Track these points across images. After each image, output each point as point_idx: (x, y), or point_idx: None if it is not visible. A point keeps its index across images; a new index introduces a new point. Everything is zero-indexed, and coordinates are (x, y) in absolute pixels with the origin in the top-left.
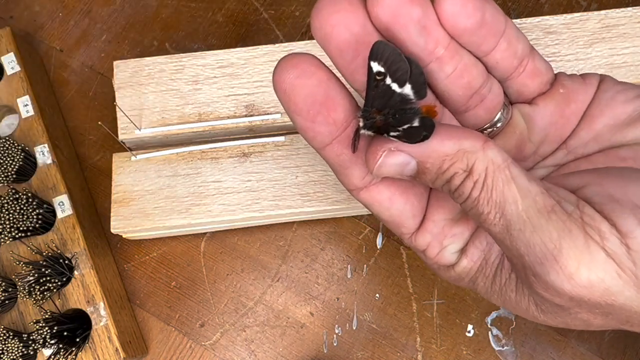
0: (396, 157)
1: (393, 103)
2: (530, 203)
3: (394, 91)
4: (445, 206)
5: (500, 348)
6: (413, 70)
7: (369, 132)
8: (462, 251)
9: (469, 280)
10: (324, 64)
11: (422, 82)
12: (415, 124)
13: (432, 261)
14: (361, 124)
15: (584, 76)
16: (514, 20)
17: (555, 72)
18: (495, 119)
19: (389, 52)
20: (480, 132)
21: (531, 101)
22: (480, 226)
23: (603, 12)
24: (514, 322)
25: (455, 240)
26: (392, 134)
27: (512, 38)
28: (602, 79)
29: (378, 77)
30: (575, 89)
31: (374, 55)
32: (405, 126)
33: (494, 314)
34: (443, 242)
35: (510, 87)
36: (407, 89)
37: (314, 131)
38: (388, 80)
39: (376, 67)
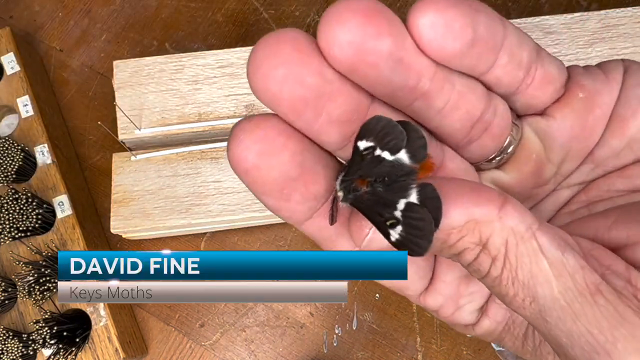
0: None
1: (381, 170)
2: (567, 283)
3: (383, 159)
4: (457, 264)
5: (501, 348)
6: (410, 135)
7: (350, 207)
8: (482, 310)
9: (493, 339)
10: (293, 127)
11: (421, 146)
12: (413, 198)
13: (446, 320)
14: (340, 195)
15: (604, 69)
16: (514, 21)
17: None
18: (505, 144)
19: (381, 126)
20: (489, 162)
21: (544, 112)
22: (506, 306)
23: (603, 12)
24: None
25: (472, 298)
26: (392, 236)
27: (514, 47)
28: (627, 68)
29: (365, 152)
30: (597, 89)
31: (362, 134)
32: (402, 204)
33: None
34: (458, 301)
35: (517, 101)
36: (402, 154)
37: (289, 211)
38: (377, 152)
39: (364, 144)
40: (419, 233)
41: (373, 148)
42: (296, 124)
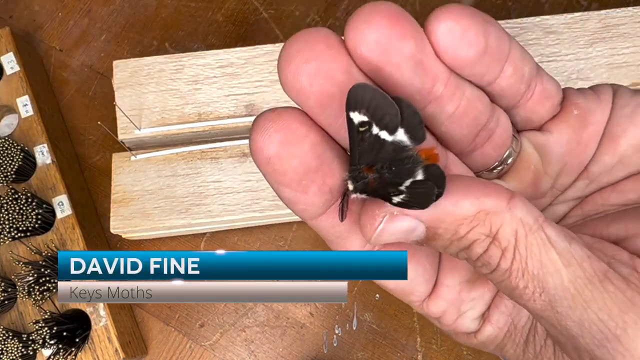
0: (400, 222)
1: (385, 155)
2: (577, 272)
3: (384, 140)
4: (460, 267)
5: None
6: (404, 111)
7: (362, 196)
8: (484, 316)
9: (494, 347)
10: (313, 121)
11: (418, 123)
12: (419, 176)
13: (449, 328)
14: (350, 187)
15: (595, 90)
16: (514, 20)
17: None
18: (505, 155)
19: (370, 95)
20: (489, 171)
21: (541, 127)
22: (514, 301)
23: (603, 11)
24: None
25: (475, 305)
26: (395, 199)
27: (518, 61)
28: (615, 91)
29: (362, 129)
30: (590, 108)
31: (352, 103)
32: (408, 182)
33: None
34: (461, 308)
35: (517, 115)
36: (401, 135)
37: (306, 203)
38: (375, 130)
39: (357, 117)
40: (422, 192)
41: (369, 125)
42: (319, 118)
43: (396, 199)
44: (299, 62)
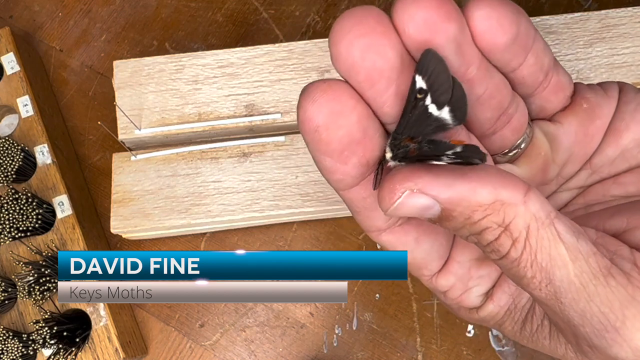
0: (418, 199)
1: (427, 130)
2: (583, 267)
3: (430, 114)
4: (472, 245)
5: (501, 348)
6: (455, 90)
7: (399, 163)
8: (488, 294)
9: (494, 323)
10: (360, 95)
11: (464, 105)
12: (459, 149)
13: (453, 302)
14: (388, 155)
15: (603, 87)
16: None
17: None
18: (520, 140)
19: (435, 64)
20: (504, 155)
21: (552, 118)
22: (519, 287)
23: (603, 11)
24: None
25: (481, 282)
26: (443, 160)
27: (540, 51)
28: (622, 88)
29: (419, 96)
30: (598, 103)
31: (421, 66)
32: (450, 152)
33: None
34: (468, 283)
35: (532, 103)
36: (445, 113)
37: (344, 173)
38: (428, 101)
39: (419, 82)
40: (473, 149)
41: (425, 94)
42: (366, 93)
43: (446, 159)
44: (353, 37)
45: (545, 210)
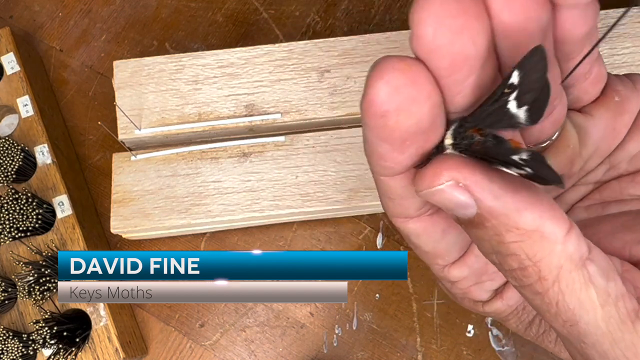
0: (458, 194)
1: (496, 124)
2: (611, 312)
3: (507, 110)
4: None
5: (501, 348)
6: (542, 94)
7: (459, 154)
8: (498, 291)
9: (498, 318)
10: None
11: (543, 108)
12: (525, 156)
13: (460, 291)
14: (448, 142)
15: (632, 79)
16: None
17: None
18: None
19: (537, 63)
20: (535, 146)
21: (582, 109)
22: (536, 311)
23: (603, 12)
24: None
25: (495, 278)
26: (511, 169)
27: (592, 42)
28: None
29: (506, 90)
30: (628, 96)
31: (526, 63)
32: (516, 157)
33: None
34: (482, 277)
35: (570, 94)
36: (522, 111)
37: (397, 162)
38: (511, 97)
39: (515, 77)
40: (545, 166)
41: (513, 90)
42: (444, 80)
43: (515, 170)
44: (444, 17)
45: (580, 251)
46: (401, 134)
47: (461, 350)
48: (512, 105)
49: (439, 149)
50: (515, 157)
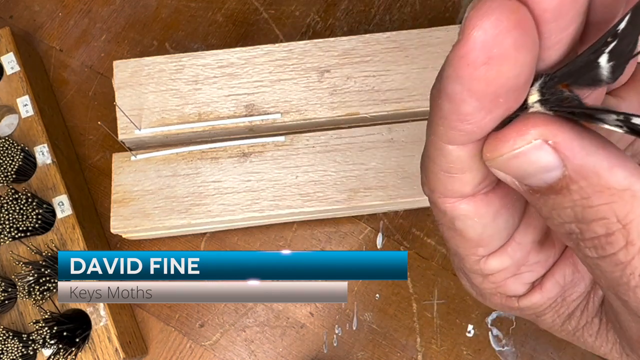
0: (546, 154)
1: (579, 80)
2: None
3: (597, 64)
4: (535, 224)
5: (501, 348)
6: (630, 49)
7: (546, 111)
8: (535, 283)
9: (532, 313)
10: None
11: (625, 64)
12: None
13: (491, 286)
14: (534, 99)
15: None
16: None
17: None
18: None
19: None
20: None
21: (613, 92)
22: (609, 292)
23: None
24: (514, 323)
25: (535, 268)
26: (609, 123)
27: None
28: None
29: (609, 40)
30: None
31: (638, 10)
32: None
33: (494, 315)
34: (521, 268)
35: None
36: (608, 66)
37: (479, 124)
38: (606, 49)
39: (623, 25)
40: None
41: (612, 40)
42: (544, 25)
43: (612, 123)
44: None
45: None
46: (498, 89)
47: (461, 350)
48: (603, 59)
49: (522, 106)
50: (613, 115)
